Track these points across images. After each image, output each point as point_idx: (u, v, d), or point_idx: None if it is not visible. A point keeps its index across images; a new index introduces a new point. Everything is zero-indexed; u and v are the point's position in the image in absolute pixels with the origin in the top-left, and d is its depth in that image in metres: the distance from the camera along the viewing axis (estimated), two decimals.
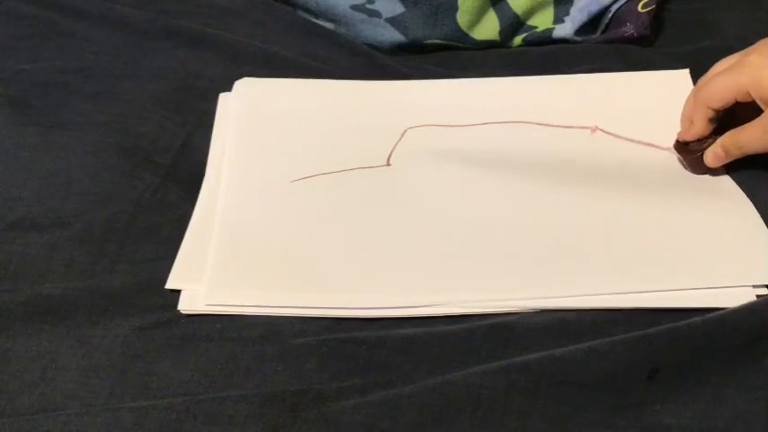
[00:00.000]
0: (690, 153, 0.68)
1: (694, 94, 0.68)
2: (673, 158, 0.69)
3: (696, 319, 0.55)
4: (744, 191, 0.66)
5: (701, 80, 0.69)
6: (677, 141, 0.69)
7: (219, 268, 0.61)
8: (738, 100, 0.64)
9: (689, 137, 0.68)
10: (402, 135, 0.73)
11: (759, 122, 0.64)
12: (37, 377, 0.55)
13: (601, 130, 0.72)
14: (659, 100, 0.74)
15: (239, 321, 0.58)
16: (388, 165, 0.70)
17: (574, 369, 0.53)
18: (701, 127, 0.67)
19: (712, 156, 0.67)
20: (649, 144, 0.70)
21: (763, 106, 0.63)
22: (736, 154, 0.66)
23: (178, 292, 0.60)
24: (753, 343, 0.54)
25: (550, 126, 0.73)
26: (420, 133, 0.73)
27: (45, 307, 0.59)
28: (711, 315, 0.55)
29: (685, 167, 0.68)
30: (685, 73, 0.76)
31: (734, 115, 0.67)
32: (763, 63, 0.63)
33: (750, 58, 0.64)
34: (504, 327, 0.57)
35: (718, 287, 0.58)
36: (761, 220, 0.63)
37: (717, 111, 0.66)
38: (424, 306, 0.59)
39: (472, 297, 0.59)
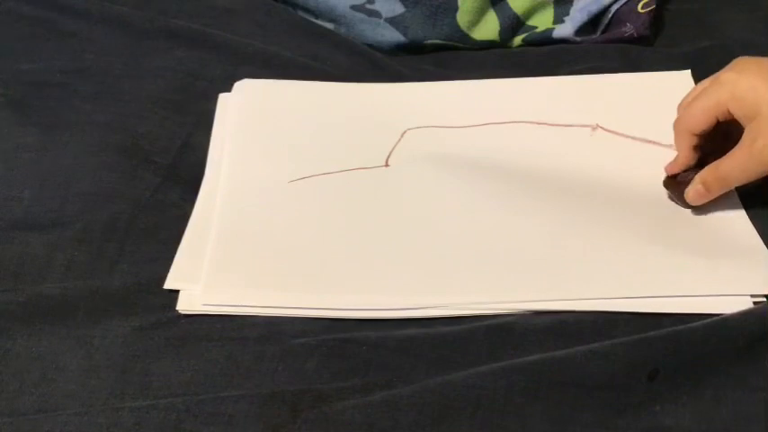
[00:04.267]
0: (678, 186, 0.65)
1: (675, 124, 0.66)
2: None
3: (696, 322, 0.55)
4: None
5: (679, 109, 0.67)
6: (666, 177, 0.66)
7: (216, 268, 0.61)
8: (720, 119, 0.62)
9: (675, 169, 0.65)
10: (401, 136, 0.73)
11: (741, 148, 0.61)
12: (37, 377, 0.55)
13: (601, 127, 0.72)
14: (661, 101, 0.74)
15: (239, 321, 0.58)
16: (387, 165, 0.70)
17: (574, 370, 0.53)
18: (684, 156, 0.65)
19: (693, 193, 0.63)
20: (651, 141, 0.70)
21: (744, 122, 0.61)
22: (717, 189, 0.63)
23: (178, 292, 0.60)
24: (752, 345, 0.54)
25: (550, 125, 0.73)
26: (419, 134, 0.73)
27: (45, 307, 0.59)
28: (711, 318, 0.56)
29: (676, 202, 0.66)
30: (687, 74, 0.76)
31: (718, 148, 0.64)
32: (738, 78, 0.61)
33: (725, 76, 0.62)
34: (504, 328, 0.57)
35: (716, 295, 0.58)
36: (754, 230, 0.63)
37: (699, 136, 0.64)
38: (423, 308, 0.59)
39: (471, 299, 0.59)
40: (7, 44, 0.82)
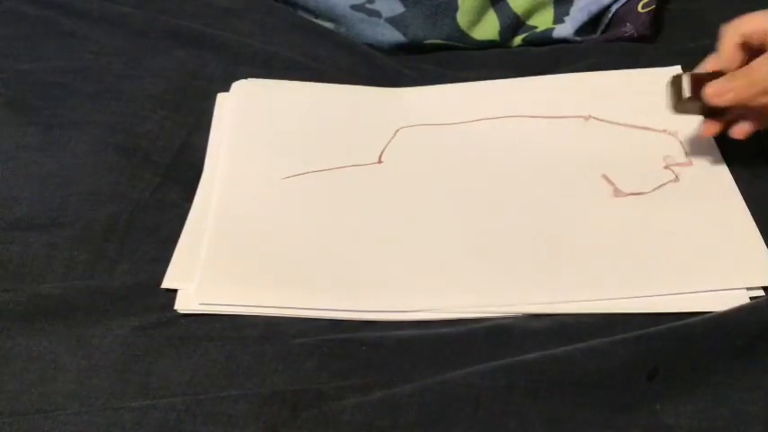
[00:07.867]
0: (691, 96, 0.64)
1: (725, 28, 0.64)
2: (666, 159, 0.69)
3: (695, 319, 0.55)
4: (738, 185, 0.65)
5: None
6: (692, 74, 0.64)
7: (210, 268, 0.62)
8: (760, 43, 0.61)
9: (709, 66, 0.64)
10: (394, 134, 0.73)
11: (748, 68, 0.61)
12: (37, 377, 0.55)
13: (594, 117, 0.72)
14: (653, 96, 0.74)
15: (239, 321, 0.58)
16: (380, 162, 0.70)
17: (574, 369, 0.53)
18: (725, 53, 0.64)
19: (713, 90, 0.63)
20: (644, 127, 0.70)
21: None
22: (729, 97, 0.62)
23: (177, 291, 0.60)
24: (752, 343, 0.54)
25: (543, 118, 0.73)
26: (412, 132, 0.73)
27: (45, 307, 0.59)
28: (711, 315, 0.56)
29: (673, 100, 0.65)
30: (677, 69, 0.76)
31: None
32: None
33: None
34: (503, 329, 0.57)
35: (712, 290, 0.58)
36: (753, 221, 0.63)
37: (745, 39, 0.63)
38: (420, 311, 0.59)
39: (467, 302, 0.59)
40: (7, 44, 0.82)
